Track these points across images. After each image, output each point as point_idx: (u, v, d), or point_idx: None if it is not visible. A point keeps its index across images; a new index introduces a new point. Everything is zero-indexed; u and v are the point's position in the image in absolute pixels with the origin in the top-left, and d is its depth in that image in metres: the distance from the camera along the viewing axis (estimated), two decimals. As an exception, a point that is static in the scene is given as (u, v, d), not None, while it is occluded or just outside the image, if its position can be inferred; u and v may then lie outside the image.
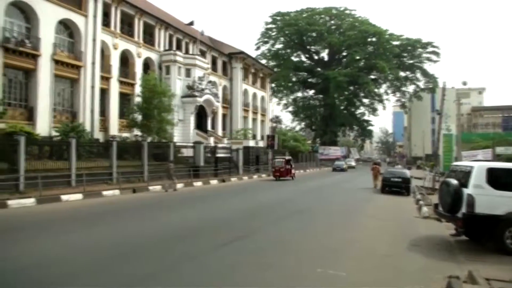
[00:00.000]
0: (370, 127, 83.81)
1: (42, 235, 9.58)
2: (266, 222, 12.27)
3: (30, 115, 23.82)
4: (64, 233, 9.76)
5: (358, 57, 71.89)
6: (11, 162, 16.61)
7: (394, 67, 71.45)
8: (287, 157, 35.26)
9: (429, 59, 75.32)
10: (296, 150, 54.11)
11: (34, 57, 23.78)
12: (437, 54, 74.31)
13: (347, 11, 76.50)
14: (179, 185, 23.09)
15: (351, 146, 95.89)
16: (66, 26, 26.72)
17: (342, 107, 76.98)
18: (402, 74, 76.00)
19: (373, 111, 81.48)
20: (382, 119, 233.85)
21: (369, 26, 72.28)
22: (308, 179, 34.54)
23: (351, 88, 75.26)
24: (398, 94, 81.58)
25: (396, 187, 22.84)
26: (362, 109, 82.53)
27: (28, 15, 24.12)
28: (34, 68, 23.88)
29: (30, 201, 14.48)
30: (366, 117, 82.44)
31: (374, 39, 72.22)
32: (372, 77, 75.57)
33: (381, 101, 79.96)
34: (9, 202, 13.86)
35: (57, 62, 25.15)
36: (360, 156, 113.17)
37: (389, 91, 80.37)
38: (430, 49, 74.62)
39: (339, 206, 17.01)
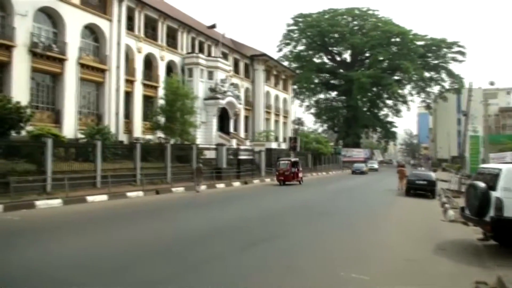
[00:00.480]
0: (394, 129, 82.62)
1: (71, 235, 9.77)
2: (290, 224, 12.20)
3: (57, 118, 24.41)
4: (92, 233, 9.95)
5: (381, 58, 70.99)
6: (38, 163, 17.02)
7: (419, 67, 70.15)
8: (293, 159, 31.34)
9: (454, 59, 73.74)
10: (318, 152, 53.77)
11: (61, 61, 24.36)
12: (463, 54, 72.72)
13: (370, 12, 75.74)
14: (202, 187, 23.23)
15: (374, 148, 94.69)
16: (91, 31, 27.29)
17: (365, 109, 76.16)
18: (426, 74, 74.54)
19: (397, 112, 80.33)
20: (407, 120, 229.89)
21: (392, 26, 71.33)
22: (323, 183, 32.43)
23: (374, 89, 74.38)
24: (422, 95, 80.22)
25: (421, 189, 22.38)
26: (385, 111, 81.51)
27: (55, 21, 24.75)
28: (60, 72, 24.46)
29: (57, 202, 14.80)
30: (389, 119, 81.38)
31: (397, 39, 71.25)
32: (396, 78, 74.48)
33: (405, 102, 78.75)
34: (37, 202, 14.21)
35: (83, 66, 25.71)
36: (383, 158, 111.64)
37: (413, 92, 79.08)
38: (455, 48, 73.10)
39: (362, 209, 16.78)
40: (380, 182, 33.90)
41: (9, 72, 21.70)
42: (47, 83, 24.62)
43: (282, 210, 15.64)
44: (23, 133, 18.55)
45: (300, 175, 29.45)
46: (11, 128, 17.44)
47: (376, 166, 61.92)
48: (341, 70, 76.23)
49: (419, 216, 15.29)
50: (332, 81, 78.71)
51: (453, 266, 7.84)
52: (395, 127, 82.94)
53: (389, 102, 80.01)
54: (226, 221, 12.46)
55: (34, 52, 22.73)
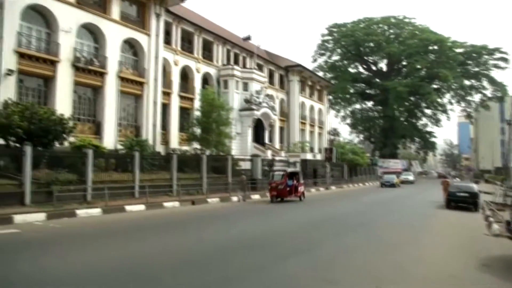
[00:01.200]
0: (433, 139, 79.97)
1: (110, 243, 9.95)
2: (327, 235, 11.95)
3: (97, 129, 25.16)
4: (131, 242, 10.10)
5: (419, 66, 69.32)
6: (80, 173, 17.56)
7: (458, 75, 67.91)
8: (291, 169, 26.77)
9: (496, 66, 70.80)
10: (354, 163, 52.87)
11: (102, 74, 25.17)
12: (505, 60, 69.73)
13: (406, 20, 74.35)
14: (237, 198, 23.27)
15: (412, 159, 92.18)
16: (130, 45, 28.11)
17: (402, 119, 74.31)
18: (467, 82, 72.03)
19: (436, 122, 77.79)
20: (446, 130, 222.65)
21: (430, 34, 69.62)
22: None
23: (412, 98, 72.57)
24: (463, 104, 77.27)
25: (462, 202, 21.48)
26: (424, 120, 79.05)
27: (96, 36, 25.65)
28: (101, 85, 25.26)
29: (96, 211, 15.16)
30: (428, 129, 78.85)
31: (435, 47, 69.42)
32: (435, 86, 72.35)
33: (444, 111, 76.11)
34: (78, 211, 14.61)
35: (122, 79, 26.46)
36: (422, 169, 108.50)
37: (453, 101, 76.27)
38: (497, 55, 70.20)
39: (399, 221, 16.26)
40: (417, 195, 32.67)
41: (54, 86, 22.62)
42: (89, 96, 25.47)
43: (316, 221, 15.37)
44: (66, 144, 19.21)
45: (301, 189, 24.21)
46: (55, 139, 18.10)
47: (411, 178, 55.81)
48: (377, 80, 75.02)
49: (461, 229, 14.63)
50: (368, 91, 77.52)
51: (497, 283, 7.40)
52: (435, 137, 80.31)
53: (428, 111, 77.66)
54: (261, 231, 12.35)
55: (77, 67, 23.61)
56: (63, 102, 22.41)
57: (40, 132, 17.19)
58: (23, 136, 16.67)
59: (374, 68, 78.30)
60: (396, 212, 19.83)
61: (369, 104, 79.88)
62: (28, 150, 15.71)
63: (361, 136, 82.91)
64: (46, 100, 22.65)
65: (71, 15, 23.41)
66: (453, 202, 21.65)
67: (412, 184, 51.06)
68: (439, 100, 72.97)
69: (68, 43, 23.19)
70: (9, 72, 20.14)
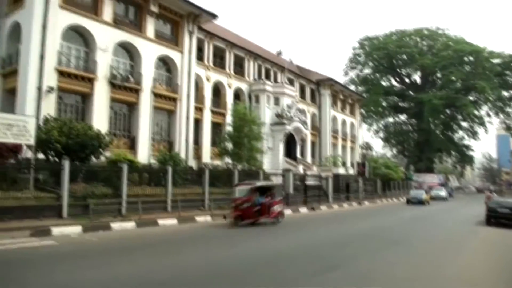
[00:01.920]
0: (470, 153, 77.31)
1: (145, 256, 10.06)
2: (359, 252, 11.66)
3: (132, 144, 25.74)
4: (168, 255, 10.22)
5: (454, 78, 67.58)
6: (115, 187, 17.95)
7: (496, 86, 65.67)
8: (261, 183, 20.22)
9: (536, 75, 68.09)
10: (388, 177, 51.74)
11: (137, 91, 25.85)
12: (545, 69, 67.04)
13: (440, 31, 72.98)
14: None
15: (449, 173, 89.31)
16: (164, 62, 28.79)
17: (438, 132, 72.30)
18: (505, 93, 69.48)
19: (474, 135, 75.13)
20: (485, 143, 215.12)
21: (465, 45, 67.92)
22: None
23: (448, 111, 70.68)
24: (501, 116, 74.39)
25: (504, 218, 20.49)
26: (460, 133, 76.49)
27: (132, 54, 26.44)
28: (136, 101, 25.92)
29: (130, 224, 15.40)
30: (465, 142, 76.33)
31: (471, 58, 67.61)
32: (471, 98, 70.17)
33: (482, 124, 73.45)
34: (113, 224, 14.89)
35: (156, 95, 27.06)
36: (460, 184, 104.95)
37: (491, 113, 73.48)
38: (537, 64, 67.59)
39: (436, 238, 15.70)
40: (451, 212, 31.41)
41: (91, 102, 23.40)
42: (124, 111, 26.16)
43: (350, 236, 15.04)
44: (102, 158, 19.75)
45: (277, 209, 18.37)
46: (92, 154, 18.64)
47: (443, 193, 50.13)
48: (411, 92, 73.64)
49: (505, 248, 13.95)
50: (401, 104, 76.12)
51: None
52: (472, 150, 77.55)
53: (465, 124, 75.20)
54: (292, 248, 12.18)
55: (113, 84, 24.35)
56: (99, 118, 23.13)
57: (77, 147, 17.77)
58: (62, 150, 17.26)
59: (407, 80, 76.97)
60: (431, 228, 19.16)
61: (403, 117, 78.35)
62: (66, 164, 16.22)
63: (395, 150, 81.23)
64: (83, 116, 23.44)
65: (108, 34, 24.28)
66: (494, 219, 20.74)
67: (445, 201, 46.80)
68: (476, 112, 70.62)
69: (105, 61, 24.02)
70: (50, 90, 21.03)
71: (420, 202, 37.54)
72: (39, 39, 20.94)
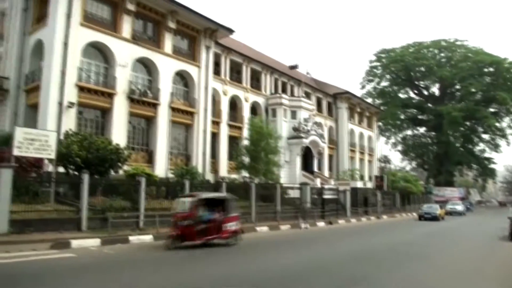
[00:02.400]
0: (492, 165, 75.61)
1: (166, 268, 10.09)
2: (380, 267, 11.44)
3: (150, 158, 26.01)
4: (187, 268, 10.18)
5: (474, 90, 66.62)
6: (133, 201, 18.12)
7: (517, 97, 64.44)
8: (208, 195, 16.28)
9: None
10: (407, 191, 50.97)
11: (154, 105, 26.22)
12: None
13: (458, 42, 72.19)
14: (286, 227, 23.01)
15: (470, 187, 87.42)
16: (181, 77, 29.19)
17: (458, 145, 71.07)
18: (527, 105, 68.12)
19: (495, 147, 73.47)
20: (507, 156, 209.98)
21: (484, 56, 66.99)
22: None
23: (468, 123, 69.47)
24: (524, 128, 72.82)
25: None
26: (481, 146, 74.90)
27: (150, 69, 26.91)
28: (154, 115, 26.27)
29: (148, 238, 15.49)
30: (486, 155, 74.68)
31: (491, 69, 66.65)
32: (492, 110, 69.02)
33: (504, 136, 71.81)
34: (131, 237, 15.01)
35: (173, 109, 27.39)
36: (481, 197, 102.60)
37: (512, 125, 72.19)
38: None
39: (456, 257, 15.32)
40: (470, 227, 30.13)
41: (110, 117, 23.82)
42: (142, 126, 26.53)
43: (370, 251, 14.81)
44: (121, 172, 20.01)
45: (232, 226, 14.92)
46: (111, 168, 18.92)
47: (459, 208, 46.18)
48: (429, 105, 72.78)
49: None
50: (419, 117, 75.23)
51: None
52: (494, 163, 75.80)
53: (486, 136, 73.72)
54: (313, 261, 12.05)
55: (132, 98, 24.78)
56: (118, 132, 23.51)
57: (97, 161, 18.06)
58: (82, 164, 17.56)
59: (425, 93, 76.22)
60: (451, 244, 18.73)
61: (421, 130, 77.40)
62: (86, 178, 16.47)
63: (414, 163, 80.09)
64: (103, 130, 23.86)
65: (127, 50, 24.81)
66: None
67: (461, 216, 43.45)
68: (497, 124, 69.26)
69: (124, 77, 24.50)
70: (70, 105, 21.51)
71: (434, 218, 34.04)
72: (61, 56, 21.53)
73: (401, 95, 75.39)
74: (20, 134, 15.71)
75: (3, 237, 13.20)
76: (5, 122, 23.72)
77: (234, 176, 30.75)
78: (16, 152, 15.44)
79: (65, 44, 21.69)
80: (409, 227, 27.26)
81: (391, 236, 21.07)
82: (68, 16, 21.89)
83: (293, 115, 37.95)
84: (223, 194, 18.85)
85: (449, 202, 50.80)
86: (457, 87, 71.03)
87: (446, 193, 66.84)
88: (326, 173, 43.73)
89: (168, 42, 27.51)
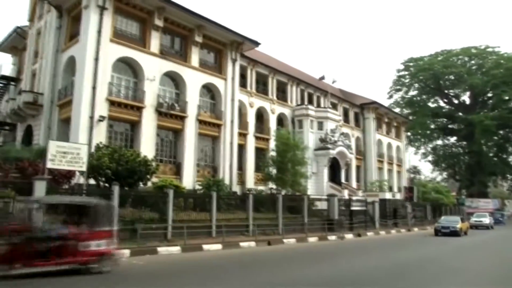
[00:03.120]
0: (529, 176, 72.76)
1: (195, 280, 10.14)
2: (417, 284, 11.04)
3: (177, 170, 26.34)
4: (213, 281, 10.19)
5: (507, 97, 64.56)
6: (161, 212, 18.34)
7: (555, 104, 62.02)
8: (57, 198, 13.37)
9: None
10: (438, 202, 49.62)
11: (182, 118, 26.62)
12: None
13: (489, 49, 70.26)
14: (313, 239, 22.76)
15: (505, 198, 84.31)
16: (208, 89, 29.58)
17: (491, 154, 68.79)
18: None
19: (532, 157, 70.92)
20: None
21: (517, 62, 64.97)
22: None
23: (501, 132, 67.21)
24: None
25: None
26: (516, 155, 72.46)
27: (177, 82, 27.41)
28: (181, 128, 26.66)
29: (176, 249, 15.61)
30: (523, 165, 71.98)
31: (526, 76, 64.46)
32: (527, 118, 66.65)
33: (541, 144, 69.29)
34: (159, 249, 15.17)
35: (200, 122, 27.73)
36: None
37: (551, 133, 69.36)
38: None
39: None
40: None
41: (139, 130, 24.33)
42: (170, 138, 26.95)
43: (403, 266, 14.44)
44: (149, 184, 20.31)
45: (99, 246, 10.53)
46: (140, 180, 19.23)
47: (486, 221, 40.85)
48: (460, 114, 70.90)
49: None
50: (450, 126, 73.35)
51: None
52: (531, 173, 72.99)
53: (521, 145, 71.24)
54: (343, 275, 11.86)
55: (160, 111, 25.26)
56: (147, 145, 23.96)
57: (126, 173, 18.39)
58: (111, 176, 17.93)
59: (456, 101, 74.35)
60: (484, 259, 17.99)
61: (452, 139, 75.31)
62: (116, 189, 16.78)
63: (445, 174, 78.00)
64: (132, 143, 24.37)
65: (155, 65, 25.38)
66: None
67: (489, 230, 38.77)
68: (533, 133, 66.84)
69: (152, 90, 25.03)
70: (101, 119, 22.12)
71: (454, 233, 28.18)
72: (92, 71, 22.22)
73: (430, 104, 73.75)
74: (53, 147, 16.19)
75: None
76: (40, 136, 24.60)
77: (261, 187, 30.74)
78: (49, 164, 15.90)
79: (96, 60, 22.39)
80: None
81: (424, 251, 20.48)
82: (99, 33, 22.63)
83: (320, 126, 37.78)
84: (88, 199, 13.35)
85: (474, 214, 45.20)
86: (489, 95, 68.95)
87: (479, 204, 64.57)
88: (353, 184, 43.19)
89: (195, 55, 27.98)
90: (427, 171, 79.90)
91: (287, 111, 37.12)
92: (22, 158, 19.10)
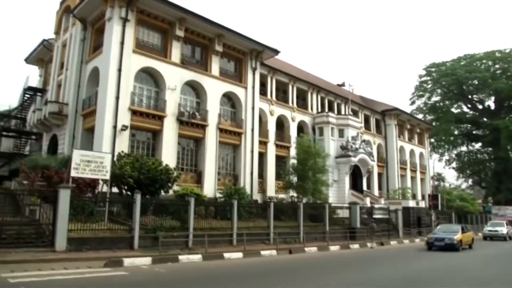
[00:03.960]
0: (558, 182, 70.27)
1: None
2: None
3: (198, 178, 26.52)
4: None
5: (534, 102, 62.87)
6: (182, 220, 18.48)
7: None
8: None
9: None
10: (464, 210, 48.43)
11: (203, 127, 26.85)
12: None
13: (515, 52, 68.66)
14: (335, 247, 22.49)
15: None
16: (229, 98, 29.80)
17: (518, 160, 66.97)
18: None
19: (561, 163, 68.55)
20: None
21: (544, 66, 63.28)
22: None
23: (529, 137, 65.43)
24: None
25: None
26: (545, 162, 70.15)
27: (198, 92, 27.70)
28: (202, 136, 26.89)
29: (197, 257, 15.64)
30: (552, 171, 69.68)
31: (552, 79, 62.73)
32: (555, 123, 64.63)
33: None
34: (180, 257, 15.23)
35: (221, 130, 27.92)
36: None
37: None
38: None
39: None
40: None
41: (160, 139, 24.65)
42: (191, 147, 27.20)
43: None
44: (170, 192, 20.53)
45: None
46: (161, 188, 19.47)
47: (504, 231, 33.72)
48: (485, 119, 69.27)
49: None
50: (474, 132, 71.73)
51: None
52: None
53: (550, 151, 69.00)
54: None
55: (181, 120, 25.55)
56: (168, 153, 24.24)
57: (148, 182, 18.67)
58: (134, 185, 18.20)
59: (480, 106, 72.72)
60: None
61: (477, 145, 73.58)
62: (138, 198, 17.01)
63: (470, 181, 76.18)
64: (153, 151, 24.71)
65: (176, 74, 25.75)
66: None
67: (505, 241, 32.28)
68: (562, 137, 64.67)
69: (173, 99, 25.37)
70: (124, 128, 22.53)
71: (450, 246, 22.22)
72: (115, 81, 22.69)
73: (454, 110, 72.34)
74: (77, 156, 16.55)
75: (62, 254, 13.86)
76: (64, 145, 25.20)
77: (281, 195, 30.66)
78: (73, 173, 16.26)
79: (119, 71, 22.85)
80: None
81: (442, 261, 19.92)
82: (122, 44, 23.12)
83: (341, 133, 37.53)
84: None
85: (488, 223, 39.95)
86: (515, 99, 67.32)
87: (507, 212, 62.63)
88: (375, 192, 42.61)
89: (215, 65, 28.27)
90: (452, 178, 78.13)
91: (307, 119, 37.02)
92: (49, 166, 19.60)
